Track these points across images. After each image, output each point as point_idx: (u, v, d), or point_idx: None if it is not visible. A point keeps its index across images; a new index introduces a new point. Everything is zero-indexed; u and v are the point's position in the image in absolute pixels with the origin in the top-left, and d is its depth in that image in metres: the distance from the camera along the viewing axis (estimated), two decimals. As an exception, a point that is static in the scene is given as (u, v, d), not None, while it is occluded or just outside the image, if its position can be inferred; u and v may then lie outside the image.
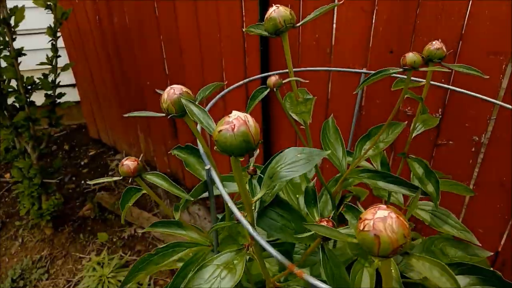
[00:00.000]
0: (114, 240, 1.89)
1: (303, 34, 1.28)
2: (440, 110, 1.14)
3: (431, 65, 0.55)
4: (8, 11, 1.41)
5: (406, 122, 0.64)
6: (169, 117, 0.39)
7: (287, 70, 0.51)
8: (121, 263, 1.63)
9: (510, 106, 0.64)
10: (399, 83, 0.55)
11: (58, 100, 1.61)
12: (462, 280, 0.55)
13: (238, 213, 0.35)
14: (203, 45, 1.56)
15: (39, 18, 1.74)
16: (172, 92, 0.39)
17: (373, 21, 1.15)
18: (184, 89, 0.39)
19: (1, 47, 1.39)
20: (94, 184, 2.31)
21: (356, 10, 1.16)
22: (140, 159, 0.41)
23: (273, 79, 0.46)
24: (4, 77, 1.46)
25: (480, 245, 0.67)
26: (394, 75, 0.64)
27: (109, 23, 1.91)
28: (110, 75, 2.13)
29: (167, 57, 1.74)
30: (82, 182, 2.36)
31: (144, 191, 0.42)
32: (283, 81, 0.47)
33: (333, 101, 1.33)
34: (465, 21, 1.00)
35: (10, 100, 1.52)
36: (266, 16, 0.45)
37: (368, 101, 1.26)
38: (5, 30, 1.42)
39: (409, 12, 1.08)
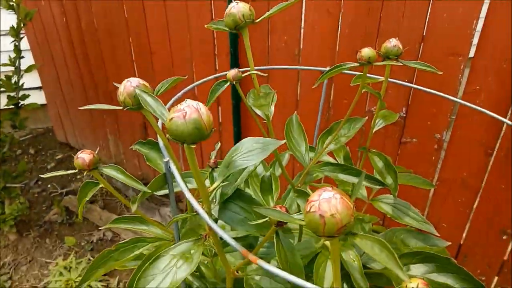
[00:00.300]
0: (83, 244, 1.84)
1: (272, 37, 1.30)
2: (404, 108, 1.18)
3: (388, 62, 0.57)
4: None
5: (367, 117, 0.66)
6: (125, 109, 0.38)
7: (248, 68, 0.52)
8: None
9: (467, 103, 0.67)
10: (358, 79, 0.57)
11: (22, 102, 1.55)
12: (420, 268, 0.57)
13: (195, 202, 0.35)
14: (173, 47, 1.55)
15: (4, 19, 1.68)
16: (129, 84, 0.39)
17: (339, 24, 1.18)
18: (142, 81, 0.39)
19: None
20: (56, 184, 2.25)
21: (322, 13, 1.19)
22: (96, 153, 0.40)
23: (232, 73, 0.47)
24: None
25: (439, 235, 0.69)
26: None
27: (77, 25, 1.87)
28: (78, 78, 2.08)
29: (136, 60, 1.72)
30: (49, 186, 2.29)
31: (101, 185, 0.42)
32: (243, 74, 0.48)
33: (302, 101, 1.35)
34: (426, 23, 1.04)
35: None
36: (226, 12, 0.46)
37: (337, 101, 1.29)
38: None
39: (373, 14, 1.11)
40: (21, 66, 1.52)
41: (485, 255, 1.22)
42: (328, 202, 0.25)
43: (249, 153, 0.35)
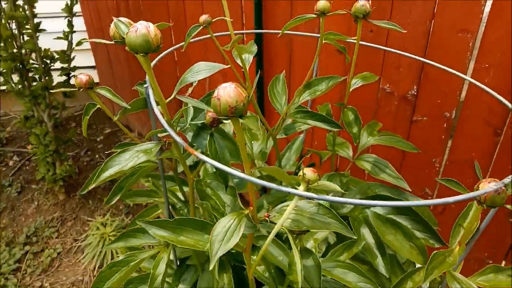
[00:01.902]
0: (120, 207, 2.04)
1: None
2: (415, 87, 1.20)
3: (360, 22, 0.64)
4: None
5: (346, 77, 0.72)
6: (113, 42, 0.49)
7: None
8: (122, 225, 1.77)
9: (472, 80, 0.71)
10: (328, 35, 0.64)
11: (73, 73, 1.76)
12: (382, 209, 0.63)
13: (159, 114, 0.45)
14: (205, 11, 1.66)
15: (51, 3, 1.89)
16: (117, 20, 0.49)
17: None
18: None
19: (23, 21, 1.55)
20: (103, 155, 2.48)
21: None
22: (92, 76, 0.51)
23: (203, 17, 0.56)
24: (25, 50, 1.62)
25: (411, 190, 0.74)
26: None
27: (125, 5, 2.06)
28: (125, 56, 2.28)
29: (174, 37, 1.87)
30: (96, 156, 2.53)
31: (98, 105, 0.53)
32: (213, 20, 0.57)
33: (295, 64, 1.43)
34: (436, 1, 1.06)
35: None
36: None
37: (324, 67, 1.34)
38: (26, 6, 1.58)
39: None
40: (73, 42, 1.72)
41: (492, 239, 1.22)
42: (224, 89, 0.34)
43: (198, 72, 0.44)
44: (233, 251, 0.54)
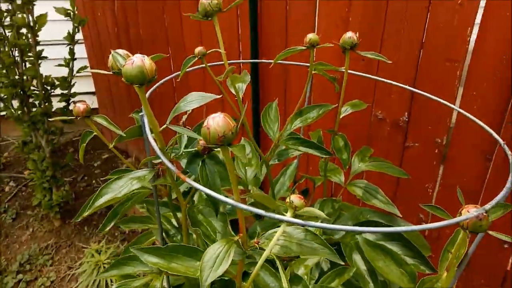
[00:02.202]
0: (116, 234, 2.02)
1: (290, 38, 1.40)
2: (406, 113, 1.23)
3: (347, 53, 0.67)
4: (35, 19, 1.62)
5: (336, 105, 0.75)
6: (112, 72, 0.51)
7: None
8: (117, 252, 1.75)
9: (460, 110, 0.73)
10: (318, 65, 0.66)
11: (72, 99, 1.79)
12: (372, 235, 0.64)
13: (153, 142, 0.47)
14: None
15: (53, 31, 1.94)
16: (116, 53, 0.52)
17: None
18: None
19: (26, 48, 1.59)
20: (100, 180, 2.47)
21: (332, 22, 1.29)
22: (91, 104, 0.53)
23: (198, 49, 0.59)
24: (26, 77, 1.65)
25: (401, 216, 0.75)
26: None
27: (126, 34, 2.11)
28: (125, 85, 2.32)
29: (173, 65, 1.91)
30: (93, 181, 2.53)
31: (95, 133, 0.55)
32: (207, 52, 0.60)
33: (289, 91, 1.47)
34: (425, 32, 1.10)
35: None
36: (199, 3, 0.58)
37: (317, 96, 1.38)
38: (29, 35, 1.63)
39: (377, 27, 1.19)
40: (74, 68, 1.76)
41: (488, 265, 1.21)
42: (213, 119, 0.36)
43: (191, 102, 0.46)
44: (225, 278, 0.54)
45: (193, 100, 0.46)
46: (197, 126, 0.58)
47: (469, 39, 1.04)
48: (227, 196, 0.40)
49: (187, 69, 0.64)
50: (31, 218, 2.14)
